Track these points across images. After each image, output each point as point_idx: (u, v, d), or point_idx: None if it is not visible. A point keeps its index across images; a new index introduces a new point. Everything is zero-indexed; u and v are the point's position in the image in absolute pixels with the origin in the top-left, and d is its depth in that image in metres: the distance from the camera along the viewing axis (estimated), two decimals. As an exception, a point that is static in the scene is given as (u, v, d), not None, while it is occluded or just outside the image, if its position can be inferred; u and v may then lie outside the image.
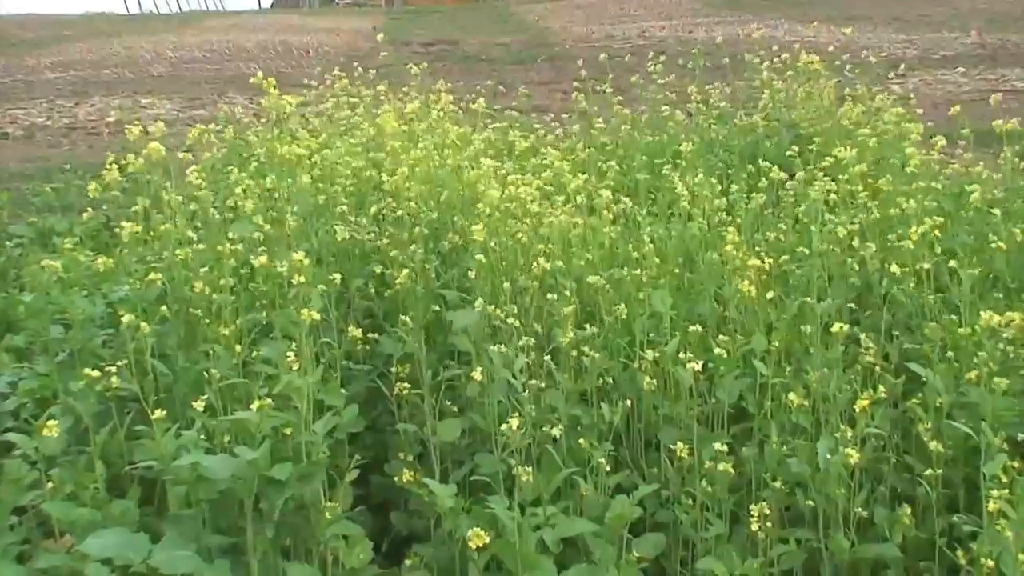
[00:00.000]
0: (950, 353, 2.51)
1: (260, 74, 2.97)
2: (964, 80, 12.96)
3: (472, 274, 2.75)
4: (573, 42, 21.10)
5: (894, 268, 2.81)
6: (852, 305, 2.93)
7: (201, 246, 2.86)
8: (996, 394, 2.24)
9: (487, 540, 2.02)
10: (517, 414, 2.27)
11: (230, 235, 2.93)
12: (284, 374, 2.23)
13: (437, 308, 2.90)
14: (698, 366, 2.45)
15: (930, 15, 23.15)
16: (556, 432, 2.37)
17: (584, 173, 3.59)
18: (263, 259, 2.57)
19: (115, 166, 2.88)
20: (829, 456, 2.24)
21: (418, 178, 3.39)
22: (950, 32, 19.41)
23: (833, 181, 3.49)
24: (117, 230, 2.90)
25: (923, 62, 14.84)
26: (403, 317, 2.75)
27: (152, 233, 2.89)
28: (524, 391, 2.37)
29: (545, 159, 3.85)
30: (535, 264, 2.82)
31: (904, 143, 3.77)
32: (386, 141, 3.94)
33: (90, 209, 3.82)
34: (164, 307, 2.70)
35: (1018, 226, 3.03)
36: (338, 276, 2.73)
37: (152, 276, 2.72)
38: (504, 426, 2.19)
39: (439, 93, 4.63)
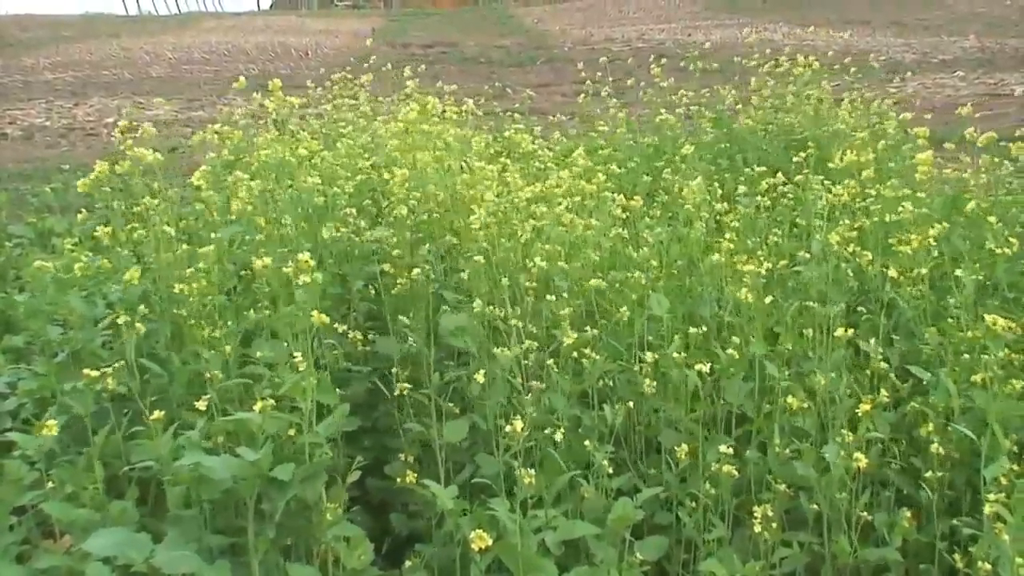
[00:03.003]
0: (964, 356, 2.50)
1: (253, 74, 2.96)
2: (963, 84, 12.97)
3: (466, 275, 2.74)
4: (572, 45, 21.13)
5: (892, 272, 2.80)
6: (861, 308, 2.92)
7: (186, 247, 2.85)
8: (1000, 397, 2.23)
9: (489, 542, 2.01)
10: (519, 416, 2.26)
11: (215, 236, 2.93)
12: (282, 375, 2.22)
13: (433, 309, 2.88)
14: (694, 372, 2.44)
15: (928, 19, 23.20)
16: (557, 434, 2.36)
17: (585, 176, 3.58)
18: (265, 260, 2.56)
19: (105, 164, 2.88)
20: (836, 460, 2.24)
21: (417, 179, 3.38)
22: (948, 36, 19.44)
23: (829, 183, 3.48)
24: (107, 231, 2.90)
25: (921, 66, 14.86)
26: (402, 317, 2.74)
27: (138, 234, 2.88)
28: (525, 393, 2.35)
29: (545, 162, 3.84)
30: (532, 264, 2.81)
31: (908, 146, 3.76)
32: (386, 141, 3.93)
33: (84, 210, 3.81)
34: (143, 307, 2.68)
35: (1015, 232, 3.02)
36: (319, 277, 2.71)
37: (129, 276, 2.70)
38: (508, 428, 2.19)
39: (440, 97, 4.62)
